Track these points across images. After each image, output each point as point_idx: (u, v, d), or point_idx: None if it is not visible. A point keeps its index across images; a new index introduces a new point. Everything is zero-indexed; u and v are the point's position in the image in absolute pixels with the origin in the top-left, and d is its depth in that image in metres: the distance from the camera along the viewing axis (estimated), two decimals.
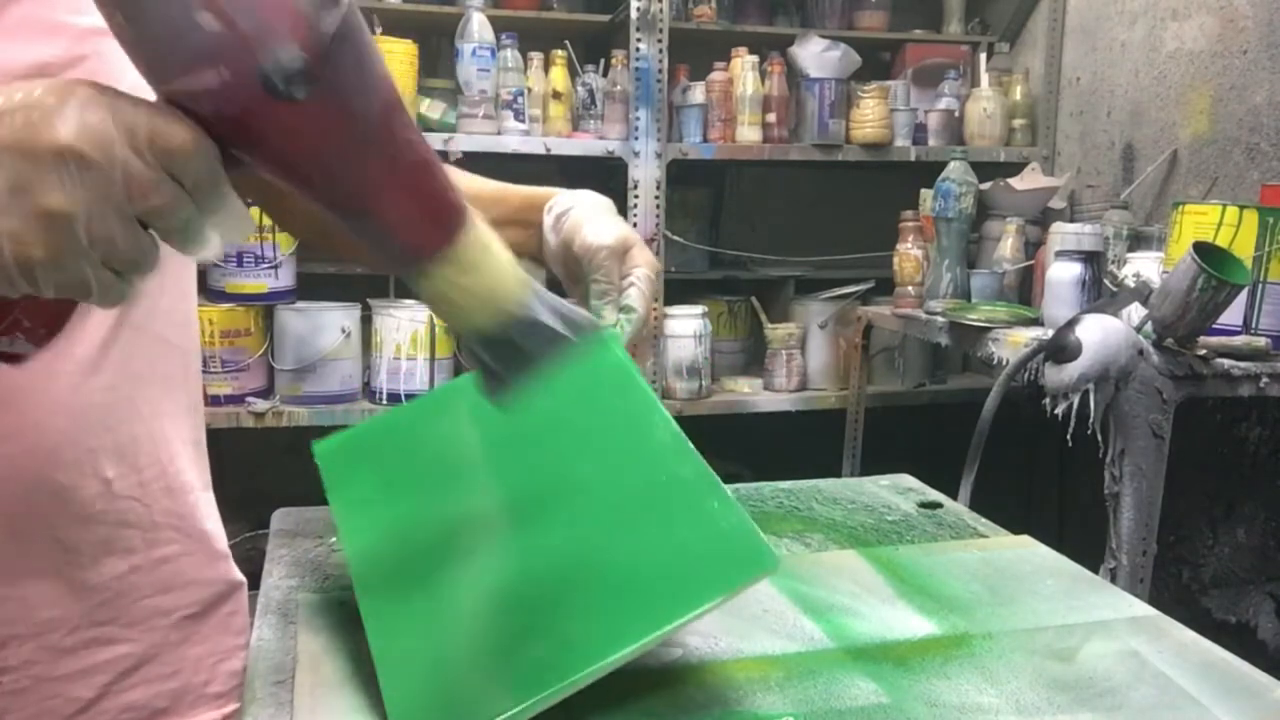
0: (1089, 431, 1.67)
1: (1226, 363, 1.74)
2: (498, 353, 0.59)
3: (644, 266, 0.77)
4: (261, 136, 0.48)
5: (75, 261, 0.47)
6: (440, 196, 0.55)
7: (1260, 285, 1.80)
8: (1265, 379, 1.74)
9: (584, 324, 0.61)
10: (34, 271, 0.46)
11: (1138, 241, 2.24)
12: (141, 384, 0.77)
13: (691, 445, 0.68)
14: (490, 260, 0.57)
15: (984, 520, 0.97)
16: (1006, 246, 2.35)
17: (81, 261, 0.47)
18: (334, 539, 0.87)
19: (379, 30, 2.36)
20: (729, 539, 0.62)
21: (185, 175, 0.47)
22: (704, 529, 0.63)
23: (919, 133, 2.76)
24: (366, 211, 0.53)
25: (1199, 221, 1.84)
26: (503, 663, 0.60)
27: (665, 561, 0.63)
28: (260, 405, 2.34)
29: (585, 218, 0.78)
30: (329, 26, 0.46)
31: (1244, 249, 1.77)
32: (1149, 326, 1.75)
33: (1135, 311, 1.81)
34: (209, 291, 2.35)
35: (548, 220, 0.81)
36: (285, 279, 2.39)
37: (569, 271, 0.80)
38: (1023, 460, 2.80)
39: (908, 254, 2.40)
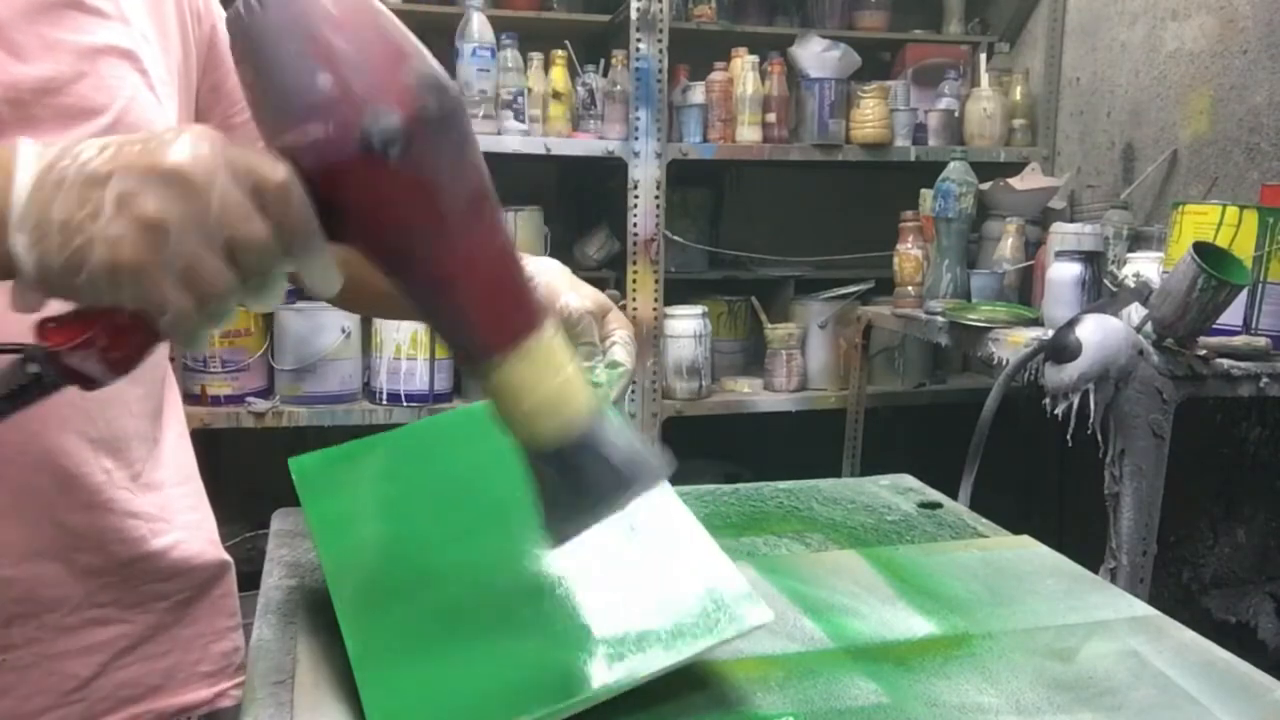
0: (1089, 431, 1.67)
1: (1226, 363, 1.74)
2: (561, 473, 0.57)
3: (623, 328, 0.82)
4: (354, 195, 0.52)
5: (158, 272, 0.50)
6: (518, 292, 0.57)
7: (1260, 285, 1.80)
8: (1265, 379, 1.74)
9: (651, 464, 0.57)
10: (119, 277, 0.49)
11: (1138, 241, 2.24)
12: (133, 381, 0.78)
13: (681, 501, 0.72)
14: (560, 362, 0.57)
15: (984, 520, 0.97)
16: (1006, 246, 2.35)
17: (164, 274, 0.50)
18: None
19: None
20: (723, 590, 0.65)
21: (274, 211, 0.51)
22: (698, 578, 0.66)
23: (919, 133, 2.76)
24: (441, 293, 0.55)
25: (1199, 221, 1.84)
26: (485, 685, 0.61)
27: (657, 604, 0.65)
28: (260, 405, 2.34)
29: (560, 286, 0.81)
30: (430, 106, 0.52)
31: (1244, 249, 1.77)
32: (1149, 326, 1.75)
33: (1135, 311, 1.81)
34: None
35: None
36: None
37: None
38: (1023, 460, 2.80)
39: (908, 254, 2.40)
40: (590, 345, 0.80)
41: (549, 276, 0.82)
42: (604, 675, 0.60)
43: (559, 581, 0.68)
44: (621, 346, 0.81)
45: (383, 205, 0.52)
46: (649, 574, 0.68)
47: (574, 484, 0.57)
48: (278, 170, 0.51)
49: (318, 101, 0.51)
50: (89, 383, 0.53)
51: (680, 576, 0.67)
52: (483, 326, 0.56)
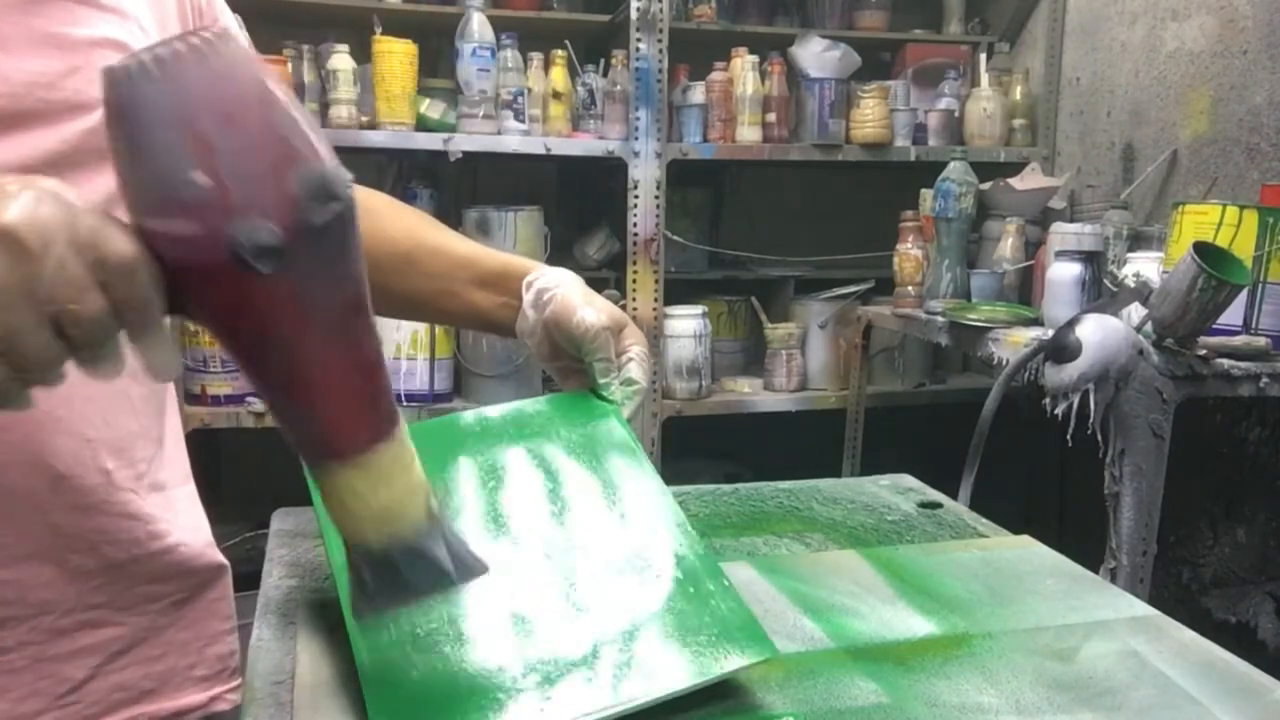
0: (1089, 431, 1.67)
1: (1226, 363, 1.74)
2: (377, 570, 0.56)
3: (638, 344, 0.82)
4: (211, 295, 0.48)
5: None
6: (372, 403, 0.53)
7: (1260, 285, 1.80)
8: (1265, 379, 1.74)
9: (475, 567, 0.59)
10: None
11: (1138, 241, 2.24)
12: (135, 380, 0.77)
13: (691, 529, 0.71)
14: (401, 478, 0.55)
15: (984, 520, 0.97)
16: (1006, 246, 2.35)
17: None
18: None
19: (379, 30, 2.37)
20: (728, 621, 0.65)
21: (115, 289, 0.47)
22: (703, 607, 0.66)
23: (919, 133, 2.76)
24: (291, 395, 0.52)
25: (1199, 221, 1.84)
26: (490, 692, 0.60)
27: (660, 632, 0.64)
28: (260, 405, 2.34)
29: (575, 299, 0.81)
30: (316, 219, 0.47)
31: (1244, 249, 1.77)
32: (1149, 326, 1.75)
33: (1135, 311, 1.81)
34: None
35: (528, 296, 0.84)
36: None
37: (551, 348, 0.83)
38: (1023, 460, 2.80)
39: (908, 254, 2.40)
40: (606, 361, 0.80)
41: (563, 290, 0.82)
42: (610, 694, 0.60)
43: (571, 588, 0.67)
44: (637, 364, 0.80)
45: (242, 310, 0.48)
46: (662, 595, 0.67)
47: (389, 581, 0.56)
48: (125, 246, 0.47)
49: (188, 200, 0.46)
50: None
51: (693, 601, 0.66)
52: (327, 433, 0.53)
